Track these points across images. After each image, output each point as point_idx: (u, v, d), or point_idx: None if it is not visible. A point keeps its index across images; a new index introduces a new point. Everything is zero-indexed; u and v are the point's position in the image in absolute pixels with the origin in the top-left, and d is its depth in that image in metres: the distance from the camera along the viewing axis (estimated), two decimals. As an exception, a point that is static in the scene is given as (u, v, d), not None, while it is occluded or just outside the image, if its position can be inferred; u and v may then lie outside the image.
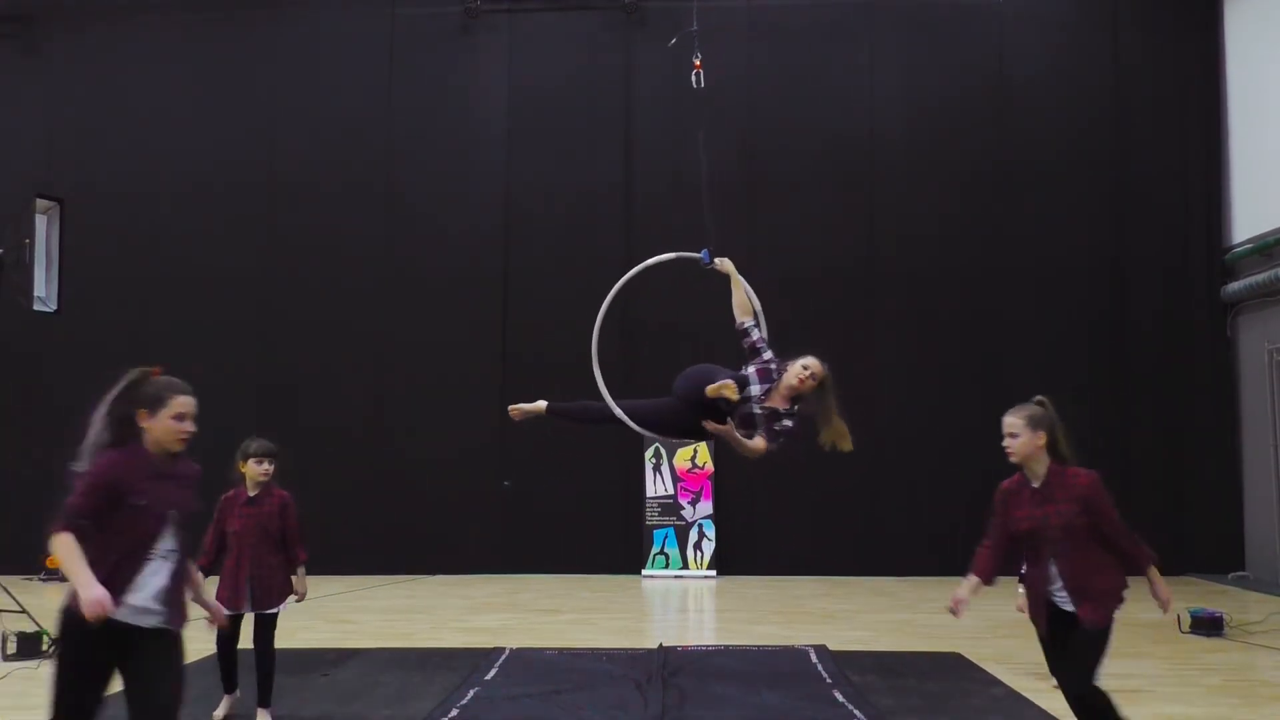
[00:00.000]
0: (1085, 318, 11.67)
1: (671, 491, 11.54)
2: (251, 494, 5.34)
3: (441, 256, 11.87)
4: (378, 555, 11.36)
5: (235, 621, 5.29)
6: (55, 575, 10.93)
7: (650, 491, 11.54)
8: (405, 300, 11.85)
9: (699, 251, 5.61)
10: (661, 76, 11.97)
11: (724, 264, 5.54)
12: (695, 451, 11.52)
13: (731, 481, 11.51)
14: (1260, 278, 10.78)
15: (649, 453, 11.51)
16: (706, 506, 11.48)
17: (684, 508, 11.49)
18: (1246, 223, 11.36)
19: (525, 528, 11.58)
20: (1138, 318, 11.64)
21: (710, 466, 11.48)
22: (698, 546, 11.41)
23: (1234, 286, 11.32)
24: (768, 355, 5.28)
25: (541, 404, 5.60)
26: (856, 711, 5.47)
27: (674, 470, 11.55)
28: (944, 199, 11.75)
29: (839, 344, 11.64)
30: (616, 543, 11.51)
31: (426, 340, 11.75)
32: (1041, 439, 4.11)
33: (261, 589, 5.28)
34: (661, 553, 11.45)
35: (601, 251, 11.28)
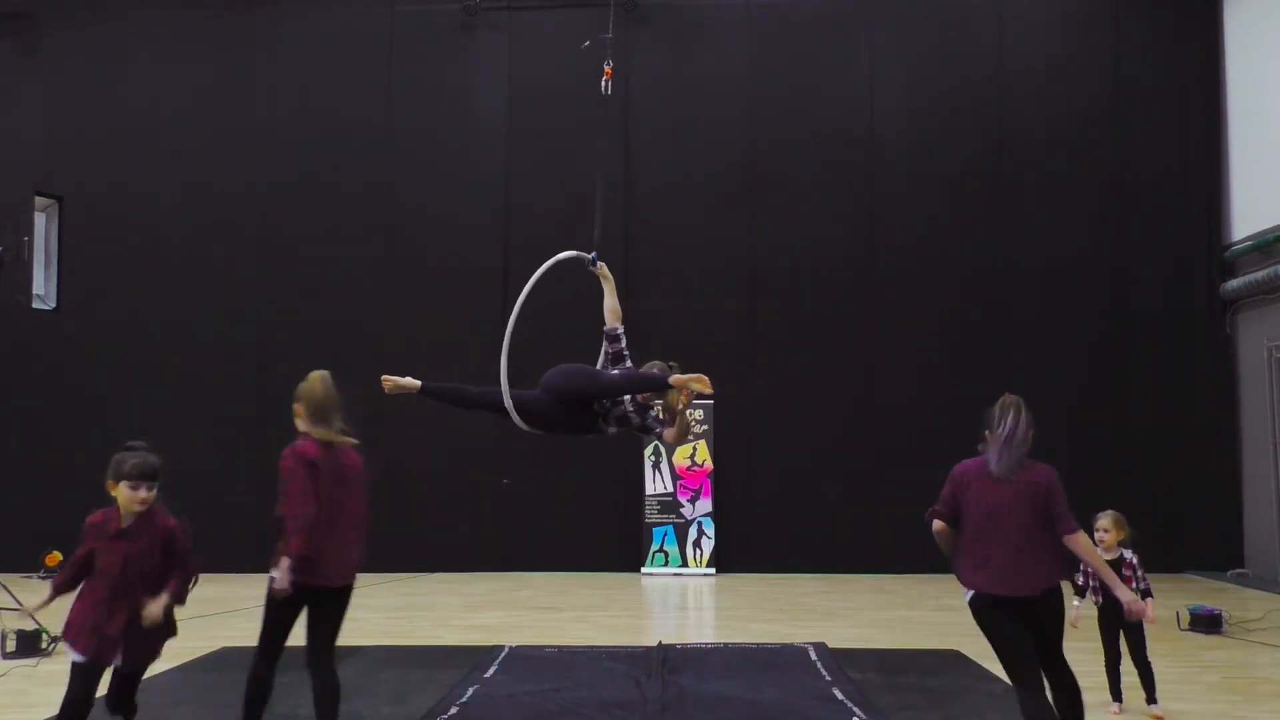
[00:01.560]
0: (1085, 315, 11.67)
1: (671, 489, 11.54)
2: (124, 525, 4.15)
3: (441, 255, 11.86)
4: (377, 553, 11.27)
5: (96, 675, 4.11)
6: (54, 574, 10.88)
7: (649, 489, 11.54)
8: (405, 299, 11.84)
9: (589, 253, 5.94)
10: (661, 75, 11.99)
11: (603, 269, 5.91)
12: (695, 449, 11.51)
13: (731, 479, 11.53)
14: (1259, 275, 10.78)
15: (648, 450, 11.50)
16: (706, 504, 11.48)
17: (683, 505, 11.49)
18: (1246, 220, 11.36)
19: (524, 525, 11.58)
20: (1137, 315, 11.64)
21: (710, 464, 11.48)
22: (697, 544, 11.42)
23: (1233, 284, 11.32)
24: (629, 363, 5.70)
25: (415, 382, 5.66)
26: (856, 709, 5.48)
27: (673, 468, 11.55)
28: (944, 197, 11.74)
29: (838, 341, 11.72)
30: (616, 540, 11.50)
31: (426, 338, 11.74)
32: (297, 410, 3.95)
33: (136, 640, 4.13)
34: (661, 550, 11.46)
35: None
